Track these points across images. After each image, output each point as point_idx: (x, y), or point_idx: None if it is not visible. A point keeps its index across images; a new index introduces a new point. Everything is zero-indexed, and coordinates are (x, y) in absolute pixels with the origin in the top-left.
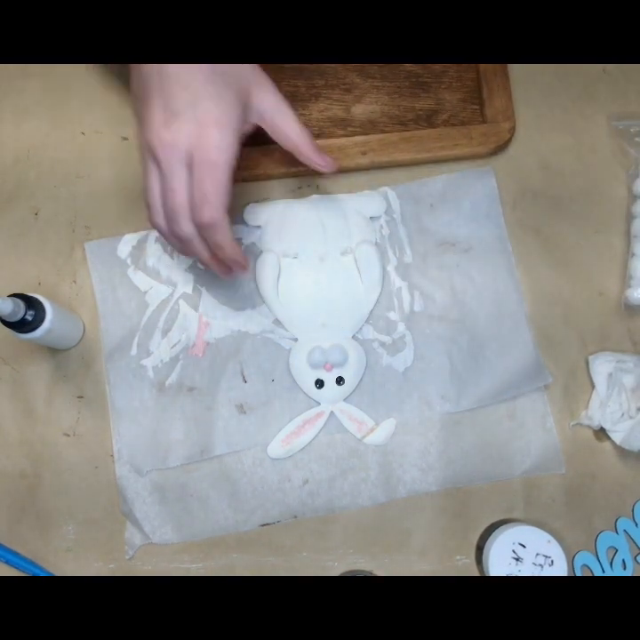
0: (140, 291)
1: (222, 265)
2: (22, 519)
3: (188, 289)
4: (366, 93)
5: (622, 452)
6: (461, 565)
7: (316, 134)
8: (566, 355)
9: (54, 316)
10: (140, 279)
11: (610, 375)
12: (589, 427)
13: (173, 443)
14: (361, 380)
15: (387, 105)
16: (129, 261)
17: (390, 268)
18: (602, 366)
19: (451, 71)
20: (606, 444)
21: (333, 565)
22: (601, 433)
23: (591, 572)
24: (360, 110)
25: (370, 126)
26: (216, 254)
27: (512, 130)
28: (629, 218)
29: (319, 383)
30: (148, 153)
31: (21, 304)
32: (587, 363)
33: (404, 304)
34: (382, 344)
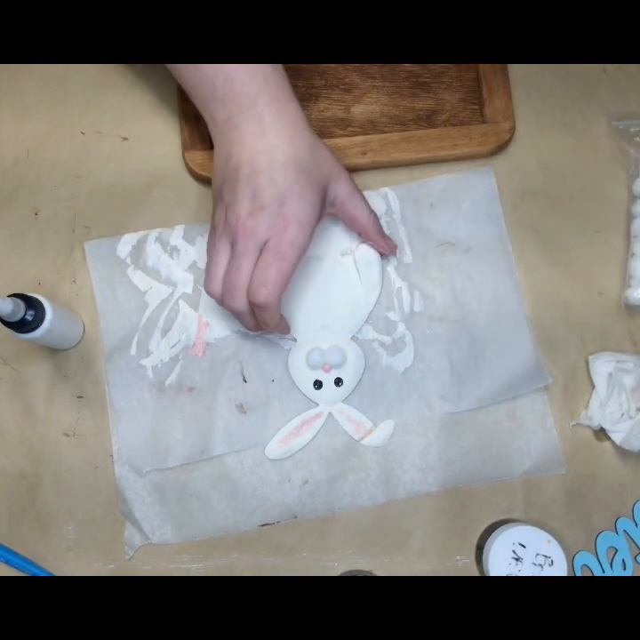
0: (139, 290)
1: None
2: (22, 519)
3: (188, 289)
4: (366, 93)
5: (622, 452)
6: (461, 565)
7: (316, 134)
8: (566, 355)
9: (54, 316)
10: (139, 279)
11: (610, 375)
12: (589, 427)
13: (173, 443)
14: (360, 380)
15: (386, 105)
16: (128, 261)
17: (390, 269)
18: (602, 366)
19: (450, 71)
20: (606, 444)
21: (333, 565)
22: (601, 433)
23: (591, 572)
24: (360, 110)
25: (370, 126)
26: (260, 327)
27: (512, 130)
28: (629, 218)
29: (317, 384)
30: (228, 235)
31: (21, 304)
32: (587, 363)
33: (404, 304)
34: (382, 344)
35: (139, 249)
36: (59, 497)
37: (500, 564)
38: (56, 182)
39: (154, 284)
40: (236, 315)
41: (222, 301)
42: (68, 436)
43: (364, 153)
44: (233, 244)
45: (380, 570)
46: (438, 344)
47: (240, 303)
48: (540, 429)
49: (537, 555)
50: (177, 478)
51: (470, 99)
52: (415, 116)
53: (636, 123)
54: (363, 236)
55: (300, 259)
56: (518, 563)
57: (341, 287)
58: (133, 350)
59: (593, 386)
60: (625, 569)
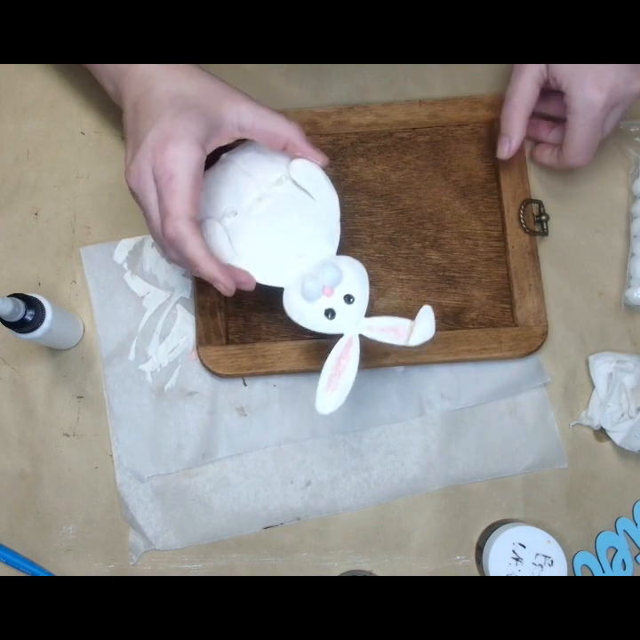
0: (137, 295)
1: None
2: (22, 519)
3: (186, 293)
4: (390, 286)
5: (622, 452)
6: (461, 565)
7: None
8: (566, 355)
9: (54, 316)
10: (137, 284)
11: (610, 375)
12: (589, 427)
13: (174, 448)
14: (371, 295)
15: (411, 300)
16: (126, 266)
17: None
18: (602, 366)
19: (479, 266)
20: (606, 444)
21: (333, 565)
22: (601, 433)
23: (591, 572)
24: (384, 304)
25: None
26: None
27: (544, 335)
28: (629, 218)
29: (330, 313)
30: (131, 195)
31: (21, 304)
32: (587, 363)
33: None
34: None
35: (136, 254)
36: (59, 497)
37: (500, 564)
38: (56, 182)
39: (151, 289)
40: (188, 269)
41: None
42: (68, 436)
43: (386, 353)
44: (137, 200)
45: (380, 570)
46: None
47: (171, 253)
48: (542, 424)
49: (537, 555)
50: (178, 483)
51: (500, 297)
52: (442, 313)
53: (636, 123)
54: (290, 151)
55: (194, 174)
56: (518, 563)
57: (296, 213)
58: (132, 355)
59: (593, 386)
60: (625, 569)
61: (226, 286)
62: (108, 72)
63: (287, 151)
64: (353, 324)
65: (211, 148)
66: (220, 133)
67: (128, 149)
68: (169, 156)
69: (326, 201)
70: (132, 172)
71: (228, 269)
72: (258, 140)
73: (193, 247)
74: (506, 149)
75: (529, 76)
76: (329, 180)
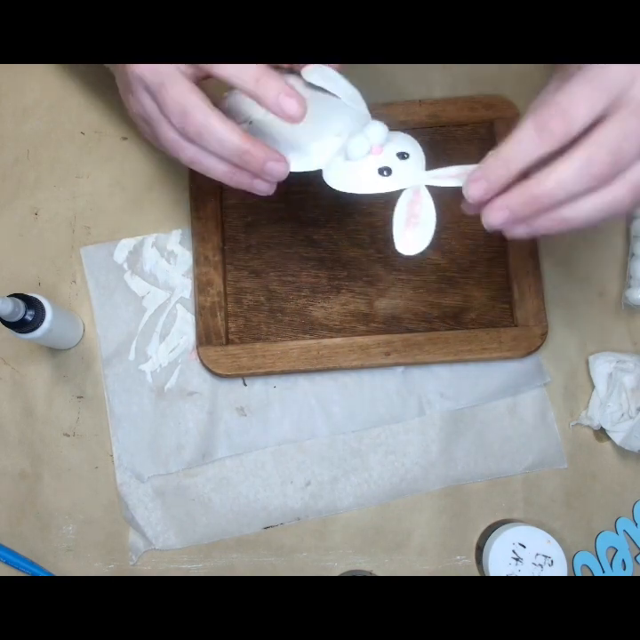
0: (137, 295)
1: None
2: (22, 519)
3: (186, 293)
4: (390, 287)
5: (622, 452)
6: (461, 565)
7: (337, 330)
8: (566, 355)
9: (54, 316)
10: (136, 284)
11: (610, 375)
12: (589, 427)
13: (174, 448)
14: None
15: (411, 300)
16: (125, 266)
17: None
18: (602, 366)
19: (479, 266)
20: (606, 444)
21: (333, 565)
22: (601, 433)
23: (591, 572)
24: (383, 305)
25: (394, 322)
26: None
27: (544, 335)
28: (629, 218)
29: (386, 171)
30: (137, 84)
31: (21, 304)
32: (587, 363)
33: None
34: None
35: (135, 254)
36: (59, 497)
37: (499, 564)
38: (56, 182)
39: (151, 289)
40: (210, 173)
41: (203, 162)
42: (68, 435)
43: (387, 353)
44: (147, 87)
45: (380, 570)
46: None
47: (199, 157)
48: (541, 424)
49: (537, 555)
50: (179, 483)
51: (500, 297)
52: (442, 313)
53: None
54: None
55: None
56: (518, 563)
57: (319, 105)
58: (132, 355)
59: (593, 386)
60: (625, 569)
61: (280, 166)
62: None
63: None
64: (415, 177)
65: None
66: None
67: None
68: (165, 69)
69: (348, 92)
70: (141, 63)
71: (261, 145)
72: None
73: (225, 132)
74: (478, 192)
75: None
76: (344, 78)
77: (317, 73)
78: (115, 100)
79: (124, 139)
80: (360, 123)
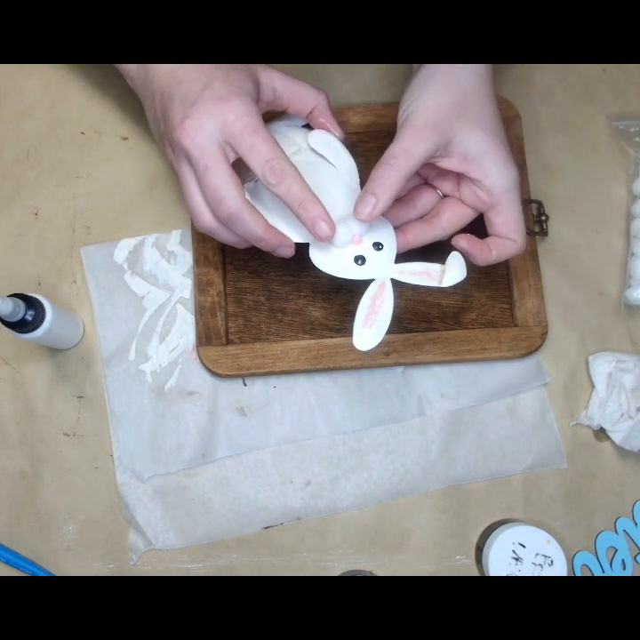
0: (137, 295)
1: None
2: (22, 519)
3: (186, 293)
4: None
5: (622, 452)
6: (461, 565)
7: (337, 330)
8: (566, 355)
9: (54, 316)
10: (137, 284)
11: (610, 375)
12: (589, 427)
13: (174, 448)
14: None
15: (411, 300)
16: (126, 266)
17: None
18: (602, 366)
19: (479, 267)
20: (606, 444)
21: (333, 565)
22: (601, 433)
23: (591, 571)
24: None
25: (394, 322)
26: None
27: (544, 335)
28: (629, 218)
29: (360, 259)
30: (180, 152)
31: (21, 304)
32: (587, 363)
33: None
34: None
35: (136, 254)
36: (59, 497)
37: (499, 563)
38: (56, 182)
39: (151, 289)
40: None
41: (218, 234)
42: (68, 435)
43: (387, 353)
44: (189, 160)
45: (380, 570)
46: None
47: (211, 223)
48: (541, 424)
49: (537, 555)
50: (179, 483)
51: (500, 297)
52: (441, 313)
53: (635, 123)
54: (315, 117)
55: (261, 125)
56: (518, 563)
57: (316, 176)
58: (132, 355)
59: (593, 386)
60: (625, 569)
61: (288, 250)
62: (126, 72)
63: (312, 117)
64: (384, 269)
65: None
66: (260, 99)
67: (173, 110)
68: (240, 111)
69: (345, 165)
70: (188, 126)
71: (273, 230)
72: (287, 105)
73: (253, 219)
74: (368, 211)
75: (424, 143)
76: (346, 150)
77: (322, 139)
78: (115, 101)
79: (125, 139)
80: (351, 201)
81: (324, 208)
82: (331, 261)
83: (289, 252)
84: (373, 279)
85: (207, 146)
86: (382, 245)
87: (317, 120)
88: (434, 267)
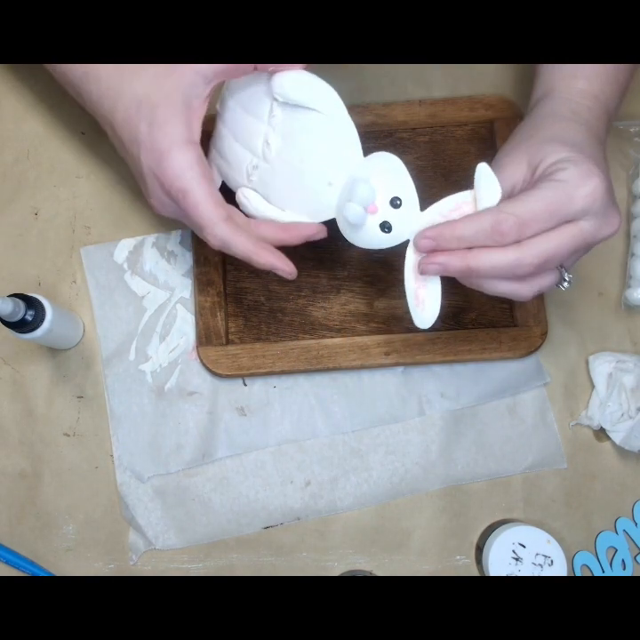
0: (137, 295)
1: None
2: (22, 519)
3: (186, 293)
4: (390, 286)
5: (622, 452)
6: (461, 565)
7: (337, 329)
8: (566, 355)
9: (54, 316)
10: (137, 284)
11: (610, 375)
12: (589, 427)
13: (174, 448)
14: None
15: None
16: (126, 266)
17: None
18: (602, 366)
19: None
20: (606, 444)
21: (333, 565)
22: (601, 433)
23: (591, 571)
24: (383, 304)
25: (394, 322)
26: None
27: (544, 335)
28: (629, 218)
29: (385, 227)
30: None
31: (21, 304)
32: (587, 363)
33: None
34: None
35: (136, 254)
36: (59, 497)
37: (499, 563)
38: (56, 182)
39: (151, 289)
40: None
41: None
42: (68, 435)
43: (387, 353)
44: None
45: (380, 570)
46: None
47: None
48: (541, 424)
49: (537, 555)
50: (179, 483)
51: (500, 297)
52: (442, 313)
53: (636, 123)
54: (263, 69)
55: (203, 175)
56: (518, 563)
57: (305, 137)
58: (132, 355)
59: (593, 386)
60: (625, 569)
61: (286, 271)
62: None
63: (259, 70)
64: (413, 224)
65: (200, 119)
66: (196, 105)
67: (139, 184)
68: (169, 174)
69: (329, 105)
70: (156, 206)
71: (294, 228)
72: (230, 77)
73: (240, 247)
74: (425, 248)
75: None
76: (322, 80)
77: (288, 81)
78: None
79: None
80: (349, 162)
81: (273, 253)
82: (362, 238)
83: (286, 272)
84: (408, 239)
85: (176, 213)
86: (400, 200)
87: (269, 71)
88: (463, 196)
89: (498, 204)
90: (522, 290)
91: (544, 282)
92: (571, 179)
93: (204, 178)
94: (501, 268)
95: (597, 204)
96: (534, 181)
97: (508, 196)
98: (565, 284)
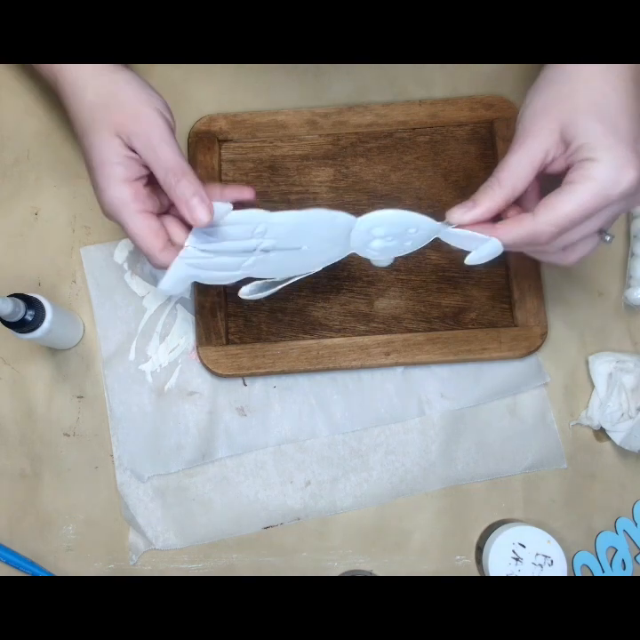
0: (137, 295)
1: None
2: (22, 519)
3: (186, 293)
4: (390, 286)
5: (622, 452)
6: (461, 565)
7: (337, 329)
8: (566, 355)
9: (54, 316)
10: (137, 284)
11: (610, 375)
12: (589, 427)
13: (174, 448)
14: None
15: (411, 300)
16: (126, 266)
17: None
18: (602, 366)
19: (479, 267)
20: (606, 444)
21: (333, 565)
22: (601, 433)
23: (591, 571)
24: (383, 304)
25: (394, 323)
26: None
27: (544, 335)
28: (629, 218)
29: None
30: None
31: (21, 304)
32: (587, 363)
33: None
34: None
35: (136, 254)
36: (59, 497)
37: (499, 563)
38: (56, 182)
39: (151, 289)
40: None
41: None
42: (68, 435)
43: (387, 353)
44: None
45: (380, 570)
46: None
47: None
48: (541, 424)
49: (537, 555)
50: (179, 483)
51: (500, 297)
52: (442, 313)
53: None
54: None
55: (140, 208)
56: (518, 563)
57: (298, 235)
58: (132, 355)
59: (593, 386)
60: (625, 569)
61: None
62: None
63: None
64: (431, 231)
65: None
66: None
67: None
68: (106, 210)
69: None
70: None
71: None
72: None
73: (163, 259)
74: (461, 211)
75: (528, 156)
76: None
77: (243, 217)
78: None
79: None
80: (345, 231)
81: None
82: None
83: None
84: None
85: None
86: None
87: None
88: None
89: (534, 203)
90: (565, 258)
91: (585, 248)
92: (606, 178)
93: (139, 214)
94: (522, 238)
95: (633, 190)
96: (568, 161)
97: (542, 162)
98: (608, 239)
